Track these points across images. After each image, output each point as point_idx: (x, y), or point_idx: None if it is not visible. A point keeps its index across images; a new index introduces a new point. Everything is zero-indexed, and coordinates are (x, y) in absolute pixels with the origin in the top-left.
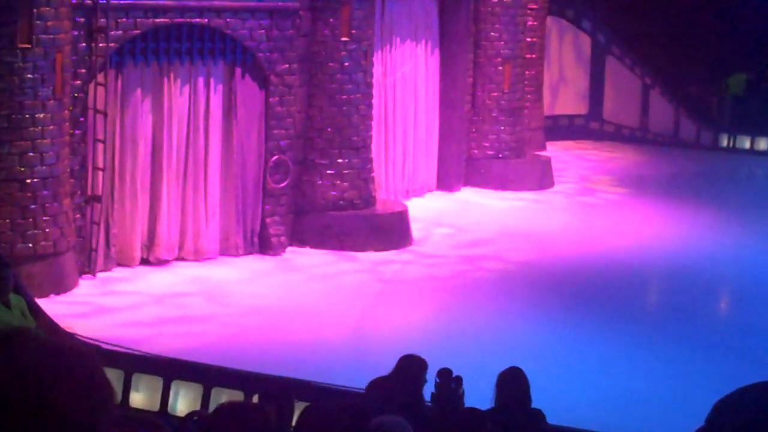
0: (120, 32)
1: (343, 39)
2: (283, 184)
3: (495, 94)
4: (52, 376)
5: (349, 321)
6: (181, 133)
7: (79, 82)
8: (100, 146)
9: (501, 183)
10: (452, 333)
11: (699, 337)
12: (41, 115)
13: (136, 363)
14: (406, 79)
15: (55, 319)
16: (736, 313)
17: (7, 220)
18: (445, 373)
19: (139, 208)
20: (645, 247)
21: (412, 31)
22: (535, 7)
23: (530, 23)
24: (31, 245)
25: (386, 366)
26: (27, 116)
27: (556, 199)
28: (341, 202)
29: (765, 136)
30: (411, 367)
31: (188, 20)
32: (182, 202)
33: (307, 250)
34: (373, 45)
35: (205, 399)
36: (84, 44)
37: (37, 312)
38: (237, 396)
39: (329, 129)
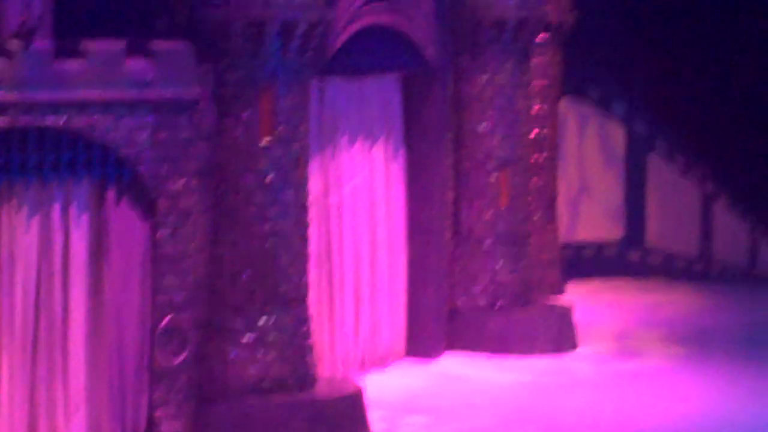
0: None
1: (265, 140)
2: (179, 359)
3: (488, 214)
4: None
5: None
6: (28, 290)
7: None
8: None
9: (500, 345)
10: None
11: None
12: None
13: None
14: (358, 197)
15: None
16: None
17: None
18: None
19: None
20: None
21: (366, 125)
22: (543, 83)
23: (536, 108)
24: None
25: None
26: None
27: (581, 368)
28: (265, 383)
29: None
30: None
31: (36, 121)
32: (31, 391)
33: None
34: (309, 148)
35: None
36: None
37: None
38: None
39: (246, 275)
